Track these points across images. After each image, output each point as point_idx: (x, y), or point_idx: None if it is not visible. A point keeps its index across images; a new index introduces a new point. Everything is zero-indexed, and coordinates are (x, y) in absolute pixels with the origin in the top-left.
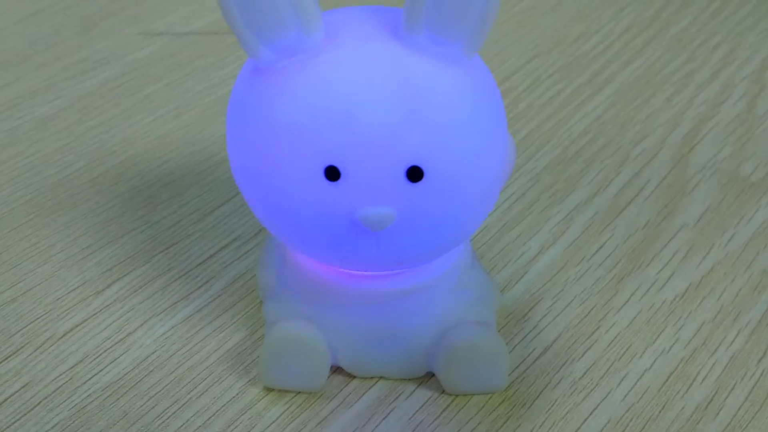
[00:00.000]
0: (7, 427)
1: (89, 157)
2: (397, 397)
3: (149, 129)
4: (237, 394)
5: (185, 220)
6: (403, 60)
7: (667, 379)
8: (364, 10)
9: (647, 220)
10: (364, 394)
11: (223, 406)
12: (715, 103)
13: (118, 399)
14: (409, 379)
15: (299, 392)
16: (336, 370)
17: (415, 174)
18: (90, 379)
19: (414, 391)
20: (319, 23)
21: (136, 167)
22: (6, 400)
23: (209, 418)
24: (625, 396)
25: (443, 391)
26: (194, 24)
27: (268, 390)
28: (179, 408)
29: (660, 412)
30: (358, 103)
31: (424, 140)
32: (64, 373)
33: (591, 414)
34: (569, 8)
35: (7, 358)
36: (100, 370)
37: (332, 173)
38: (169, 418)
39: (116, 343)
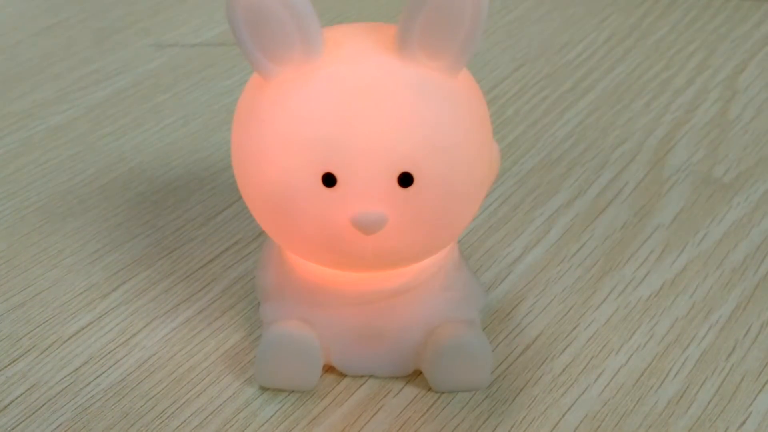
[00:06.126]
0: (11, 430)
1: (99, 165)
2: (385, 395)
3: (157, 137)
4: (233, 394)
5: (189, 224)
6: (396, 74)
7: (641, 375)
8: (361, 26)
9: (625, 221)
10: (354, 393)
11: (220, 405)
12: (690, 108)
13: (120, 400)
14: (398, 378)
15: (292, 391)
16: (328, 369)
17: (406, 180)
18: (93, 380)
19: (402, 389)
20: (319, 40)
21: (144, 174)
22: (11, 402)
23: (206, 418)
24: (602, 391)
25: (430, 389)
26: (203, 35)
27: (263, 389)
28: (178, 408)
29: (634, 407)
30: (354, 114)
31: (414, 149)
32: (68, 375)
33: (569, 409)
34: (555, 19)
35: (14, 362)
36: (104, 372)
37: (329, 180)
38: (167, 418)
39: (120, 345)
